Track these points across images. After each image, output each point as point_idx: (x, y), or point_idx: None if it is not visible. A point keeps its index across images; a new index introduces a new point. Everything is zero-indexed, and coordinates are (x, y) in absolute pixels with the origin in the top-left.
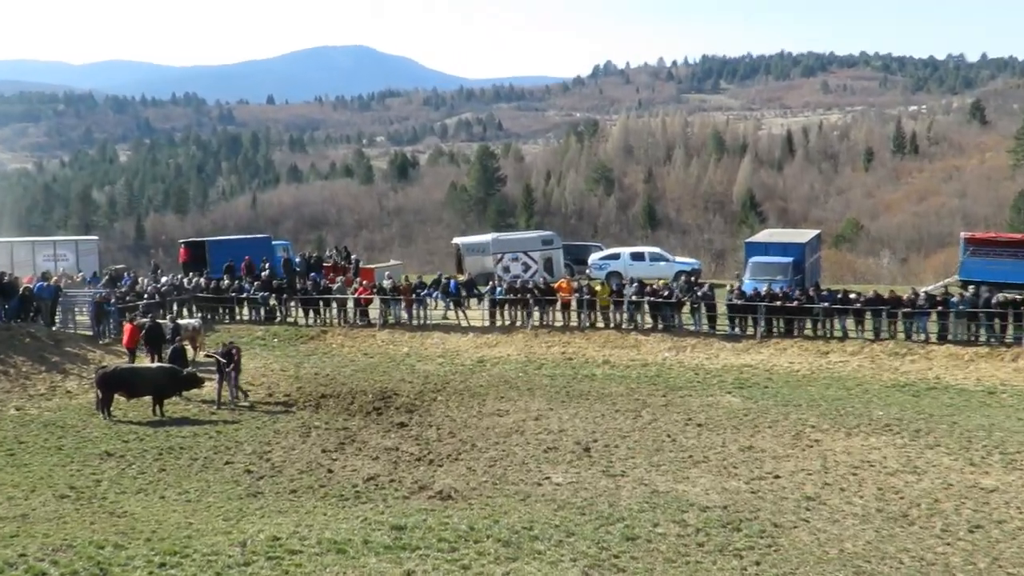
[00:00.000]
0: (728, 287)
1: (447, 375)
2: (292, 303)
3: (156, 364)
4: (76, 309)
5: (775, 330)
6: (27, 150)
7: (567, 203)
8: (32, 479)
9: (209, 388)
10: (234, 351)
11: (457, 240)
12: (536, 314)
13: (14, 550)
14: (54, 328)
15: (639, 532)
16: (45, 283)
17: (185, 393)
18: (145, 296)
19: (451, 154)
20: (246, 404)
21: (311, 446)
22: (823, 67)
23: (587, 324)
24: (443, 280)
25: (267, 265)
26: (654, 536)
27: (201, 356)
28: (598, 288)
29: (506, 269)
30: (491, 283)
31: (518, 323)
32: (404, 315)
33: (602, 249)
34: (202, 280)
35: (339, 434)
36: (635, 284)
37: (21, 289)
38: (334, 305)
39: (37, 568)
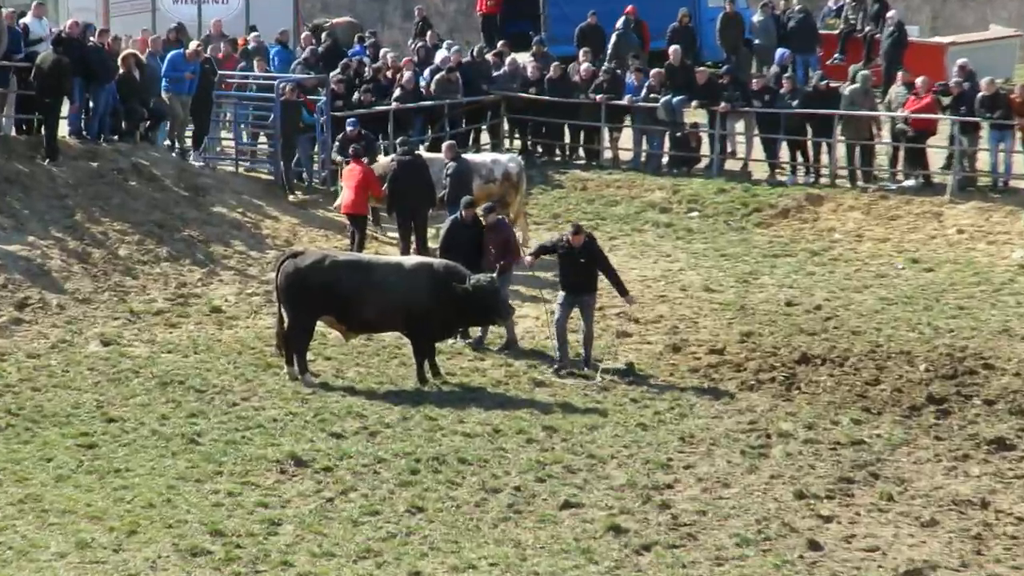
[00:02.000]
0: None
1: None
2: (739, 123)
3: (416, 258)
4: (239, 116)
5: None
6: None
7: None
8: (128, 514)
9: (549, 319)
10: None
11: None
12: None
13: None
14: (193, 158)
15: None
16: (181, 53)
17: (474, 330)
18: (396, 94)
19: None
20: (589, 375)
21: (771, 481)
22: None
23: None
24: None
25: (688, 27)
26: None
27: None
28: None
29: None
30: None
31: None
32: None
33: None
34: (527, 61)
35: (840, 457)
36: None
37: (120, 65)
38: (840, 133)
39: None
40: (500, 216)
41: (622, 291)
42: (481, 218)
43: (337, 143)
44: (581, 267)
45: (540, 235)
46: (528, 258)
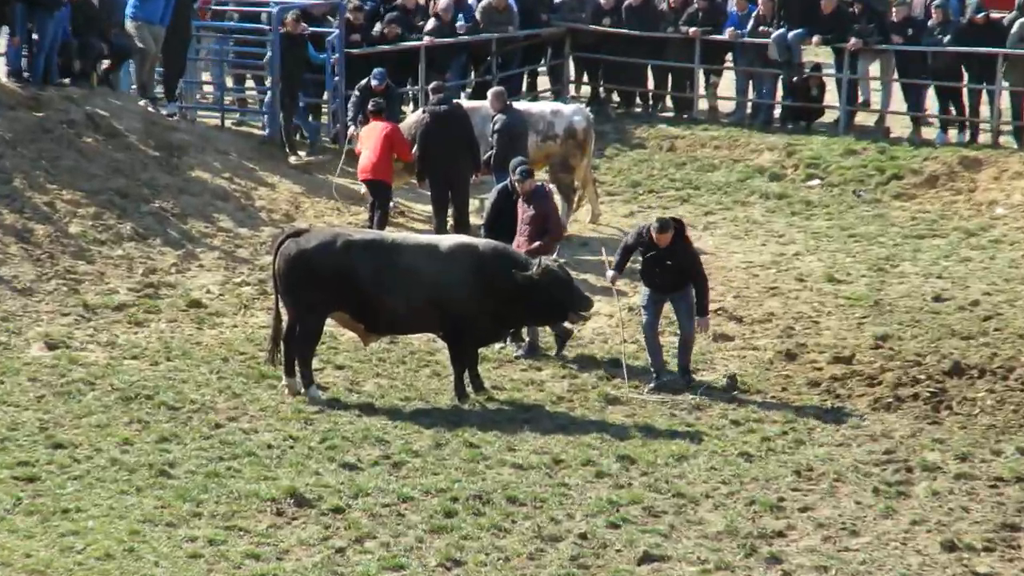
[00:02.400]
0: None
1: None
2: (874, 65)
3: (456, 237)
4: (225, 53)
5: None
6: None
7: None
8: (79, 568)
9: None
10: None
11: None
12: None
13: None
14: (167, 110)
15: None
16: None
17: (536, 330)
18: (429, 27)
19: None
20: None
21: (913, 528)
22: None
23: None
24: None
25: None
26: None
27: (584, 217)
28: None
29: None
30: None
31: None
32: None
33: None
34: None
35: (1002, 497)
36: None
37: None
38: (1004, 78)
39: None
40: (539, 183)
41: (701, 309)
42: (517, 184)
43: (355, 95)
44: (667, 268)
45: (614, 209)
46: (610, 273)
